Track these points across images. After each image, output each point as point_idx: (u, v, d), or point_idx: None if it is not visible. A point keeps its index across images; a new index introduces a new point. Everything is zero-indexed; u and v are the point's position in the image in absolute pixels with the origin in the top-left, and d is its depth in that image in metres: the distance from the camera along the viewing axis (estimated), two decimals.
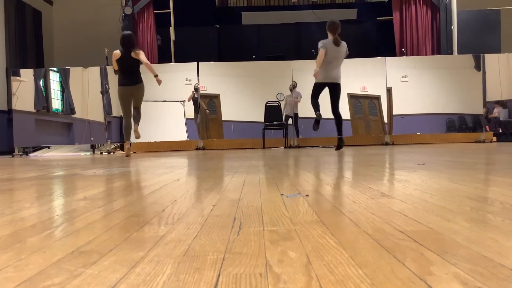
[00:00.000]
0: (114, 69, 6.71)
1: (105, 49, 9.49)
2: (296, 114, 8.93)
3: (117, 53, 6.49)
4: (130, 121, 6.66)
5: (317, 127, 6.46)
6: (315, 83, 6.43)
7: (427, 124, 8.95)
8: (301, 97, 8.82)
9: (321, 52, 6.31)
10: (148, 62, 6.51)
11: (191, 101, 8.94)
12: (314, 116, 6.41)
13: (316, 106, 6.42)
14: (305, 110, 8.75)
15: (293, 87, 8.86)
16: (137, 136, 6.62)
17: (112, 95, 8.90)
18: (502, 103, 9.03)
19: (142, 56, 6.42)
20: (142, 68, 6.57)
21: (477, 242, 0.90)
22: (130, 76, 6.46)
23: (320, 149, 7.10)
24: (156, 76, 6.48)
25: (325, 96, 6.44)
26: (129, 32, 6.80)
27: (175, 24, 9.98)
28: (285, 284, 0.69)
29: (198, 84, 8.89)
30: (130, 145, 6.89)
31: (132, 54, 6.38)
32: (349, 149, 6.86)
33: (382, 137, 8.99)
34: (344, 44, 6.36)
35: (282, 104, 8.86)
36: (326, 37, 6.48)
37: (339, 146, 6.33)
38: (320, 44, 6.35)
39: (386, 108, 8.91)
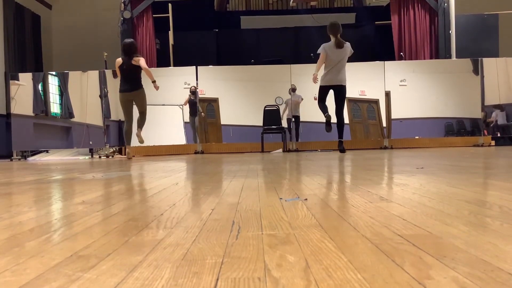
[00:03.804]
0: (114, 75, 6.89)
1: (104, 53, 9.50)
2: (297, 117, 8.91)
3: (119, 60, 6.74)
4: (131, 126, 6.83)
5: (330, 128, 6.45)
6: (320, 86, 6.44)
7: (426, 128, 8.95)
8: (302, 99, 8.82)
9: (321, 57, 6.33)
10: (148, 68, 6.73)
11: (188, 104, 8.94)
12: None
13: (324, 108, 6.42)
14: (305, 114, 8.77)
15: (293, 90, 8.87)
16: (141, 141, 6.75)
17: (111, 99, 8.90)
18: (500, 107, 9.05)
19: (142, 62, 6.62)
20: (143, 74, 6.73)
21: (476, 246, 0.90)
22: (130, 83, 6.65)
23: (319, 153, 7.10)
24: (154, 82, 6.76)
25: (330, 97, 6.45)
26: (130, 40, 7.06)
27: (174, 28, 9.98)
28: None
29: (196, 88, 8.88)
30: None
31: (133, 61, 6.55)
32: (347, 153, 6.86)
33: (381, 141, 8.99)
34: (347, 45, 6.33)
35: (282, 107, 8.85)
36: (325, 41, 6.48)
37: (342, 150, 6.33)
38: (320, 49, 6.36)
39: (384, 112, 8.92)
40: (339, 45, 6.21)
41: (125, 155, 7.84)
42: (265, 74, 9.07)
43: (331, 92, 6.44)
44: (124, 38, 9.89)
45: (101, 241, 1.06)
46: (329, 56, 6.25)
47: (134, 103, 6.83)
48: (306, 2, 11.00)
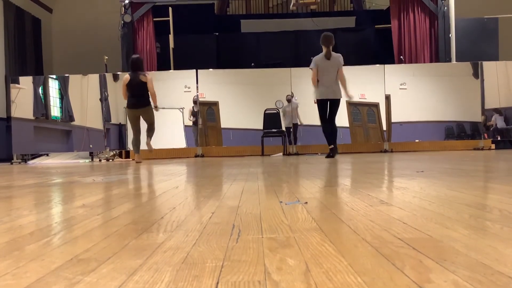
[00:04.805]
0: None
1: (104, 57, 9.52)
2: (295, 124, 8.91)
3: (126, 77, 6.72)
4: (139, 139, 6.86)
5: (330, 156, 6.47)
6: (317, 100, 6.41)
7: (426, 131, 8.96)
8: (297, 106, 8.83)
9: (313, 73, 6.36)
10: (154, 93, 6.73)
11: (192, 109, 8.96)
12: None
13: (327, 135, 6.38)
14: (306, 117, 8.76)
15: (288, 101, 8.88)
16: (150, 149, 6.74)
17: (111, 103, 8.91)
18: (498, 112, 9.06)
19: (150, 84, 6.63)
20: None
21: (476, 250, 0.90)
22: (137, 99, 6.65)
23: (319, 156, 7.10)
24: (155, 107, 6.77)
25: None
26: (136, 55, 7.11)
27: (174, 32, 10.01)
28: None
29: (197, 91, 8.90)
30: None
31: (141, 78, 6.53)
32: (347, 157, 6.86)
33: (381, 144, 9.00)
34: (336, 56, 6.33)
35: (282, 113, 8.86)
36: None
37: (329, 155, 6.29)
38: (311, 63, 6.39)
39: (384, 115, 8.93)
40: (327, 56, 6.24)
41: (126, 158, 7.84)
42: (265, 78, 9.08)
43: None
44: (124, 41, 9.93)
45: (101, 244, 1.06)
46: (320, 68, 6.28)
47: (141, 118, 6.80)
48: (306, 6, 11.02)
